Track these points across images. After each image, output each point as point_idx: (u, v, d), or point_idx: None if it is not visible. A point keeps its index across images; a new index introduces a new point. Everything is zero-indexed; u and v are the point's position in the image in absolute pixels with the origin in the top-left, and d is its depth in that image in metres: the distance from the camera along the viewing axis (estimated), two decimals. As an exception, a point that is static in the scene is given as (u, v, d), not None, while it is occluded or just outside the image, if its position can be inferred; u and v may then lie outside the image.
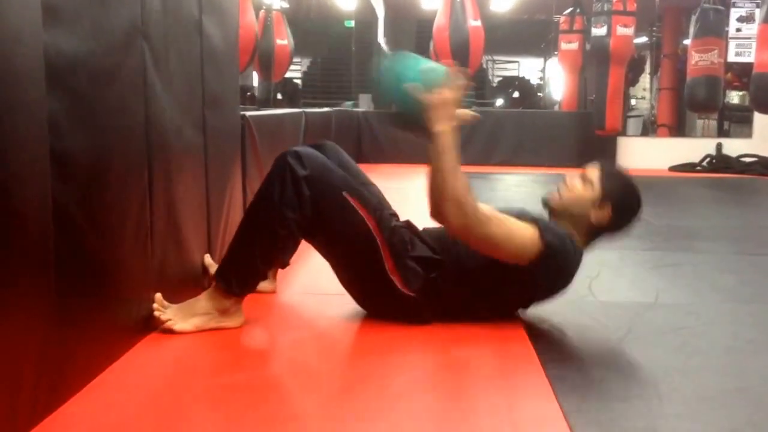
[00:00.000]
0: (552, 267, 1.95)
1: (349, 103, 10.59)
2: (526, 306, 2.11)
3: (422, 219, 2.17)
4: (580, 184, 2.05)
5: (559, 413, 1.47)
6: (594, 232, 2.06)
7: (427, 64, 1.97)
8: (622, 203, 2.03)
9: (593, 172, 2.06)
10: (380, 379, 1.69)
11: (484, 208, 1.90)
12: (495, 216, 1.91)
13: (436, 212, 1.87)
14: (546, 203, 2.10)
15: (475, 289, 2.03)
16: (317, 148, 2.11)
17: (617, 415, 1.49)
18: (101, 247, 1.59)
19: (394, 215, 2.14)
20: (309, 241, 2.07)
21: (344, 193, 1.97)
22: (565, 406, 1.50)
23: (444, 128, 1.84)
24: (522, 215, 1.99)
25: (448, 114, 1.85)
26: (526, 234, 1.91)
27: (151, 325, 1.88)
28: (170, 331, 1.88)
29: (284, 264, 2.36)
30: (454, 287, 2.02)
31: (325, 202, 1.95)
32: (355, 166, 2.25)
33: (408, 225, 2.12)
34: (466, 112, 1.92)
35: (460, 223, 1.85)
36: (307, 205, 1.92)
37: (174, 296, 1.95)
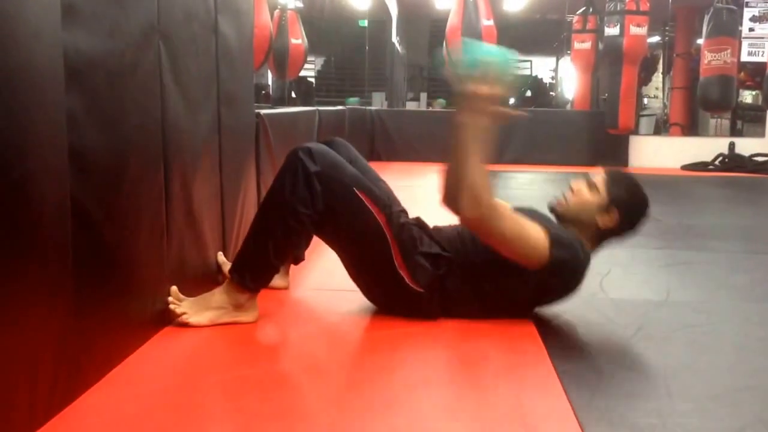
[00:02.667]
0: (561, 275, 1.97)
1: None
2: (534, 307, 2.11)
3: (433, 217, 2.19)
4: (586, 189, 2.06)
5: (569, 409, 1.48)
6: (602, 236, 2.07)
7: (487, 55, 1.85)
8: (629, 207, 2.05)
9: (598, 177, 2.07)
10: (390, 373, 1.71)
11: (501, 204, 1.91)
12: (510, 214, 1.93)
13: (450, 199, 1.86)
14: (553, 209, 2.11)
15: (483, 288, 2.04)
16: (328, 144, 2.13)
17: (627, 411, 1.50)
18: (118, 243, 1.62)
19: (404, 212, 2.15)
20: (320, 235, 2.10)
21: (355, 189, 1.98)
22: (575, 401, 1.51)
23: (467, 120, 1.82)
24: (533, 217, 2.00)
25: (479, 108, 1.81)
26: (537, 237, 1.91)
27: (166, 318, 1.90)
28: (185, 324, 1.91)
29: (297, 259, 2.39)
30: (462, 285, 2.03)
31: (336, 197, 1.96)
32: (365, 163, 2.27)
33: (418, 222, 2.13)
34: (507, 111, 1.85)
35: (474, 214, 1.85)
36: (318, 200, 1.93)
37: (189, 291, 1.98)
